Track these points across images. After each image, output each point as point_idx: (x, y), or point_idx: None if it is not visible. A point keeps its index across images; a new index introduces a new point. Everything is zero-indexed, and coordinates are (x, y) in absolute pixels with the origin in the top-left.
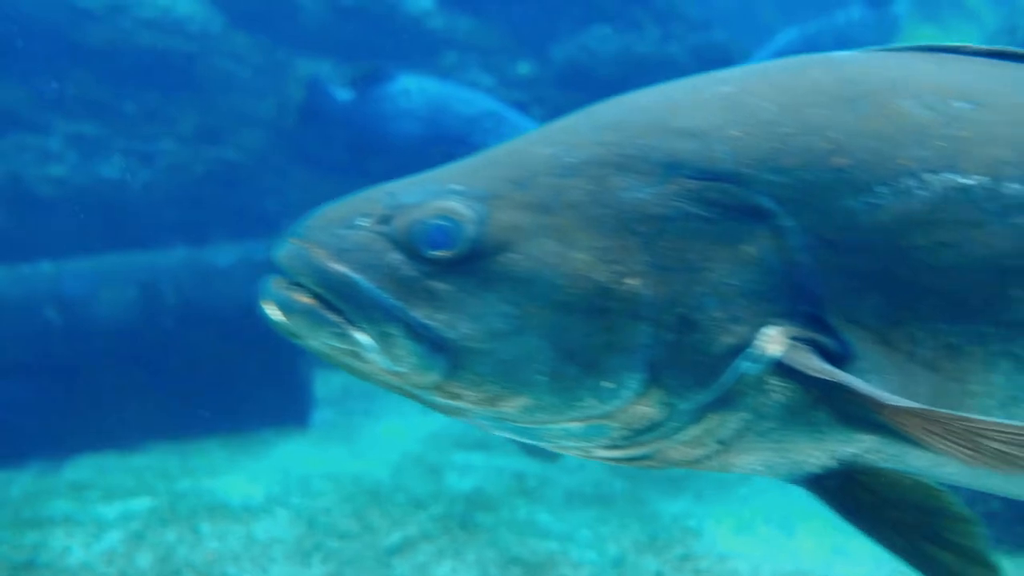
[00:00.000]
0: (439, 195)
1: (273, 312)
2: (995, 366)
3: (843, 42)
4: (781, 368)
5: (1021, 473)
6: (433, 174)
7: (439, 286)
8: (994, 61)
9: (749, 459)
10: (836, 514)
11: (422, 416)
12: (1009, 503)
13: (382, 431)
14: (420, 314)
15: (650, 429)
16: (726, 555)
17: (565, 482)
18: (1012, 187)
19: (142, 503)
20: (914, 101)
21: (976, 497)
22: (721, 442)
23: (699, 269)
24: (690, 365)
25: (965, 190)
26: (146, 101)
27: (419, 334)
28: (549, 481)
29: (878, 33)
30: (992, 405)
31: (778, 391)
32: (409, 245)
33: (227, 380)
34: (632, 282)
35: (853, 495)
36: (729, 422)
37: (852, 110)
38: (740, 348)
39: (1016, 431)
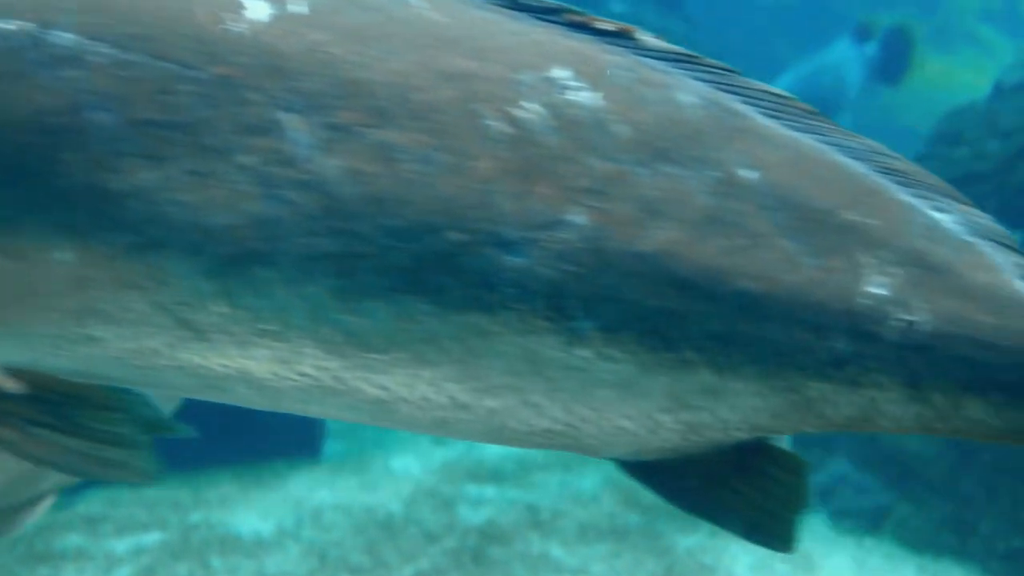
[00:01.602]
0: None
1: None
2: (53, 244)
3: (838, 80)
4: None
5: None
6: None
7: None
8: None
9: None
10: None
11: (435, 447)
12: None
13: (394, 463)
14: None
15: None
16: None
17: (579, 515)
18: (64, 36)
19: (153, 537)
20: None
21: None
22: None
23: None
24: None
25: (5, 37)
26: None
27: None
28: (562, 514)
29: (865, 70)
30: (59, 308)
31: None
32: None
33: (239, 411)
34: None
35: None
36: None
37: None
38: None
39: None
